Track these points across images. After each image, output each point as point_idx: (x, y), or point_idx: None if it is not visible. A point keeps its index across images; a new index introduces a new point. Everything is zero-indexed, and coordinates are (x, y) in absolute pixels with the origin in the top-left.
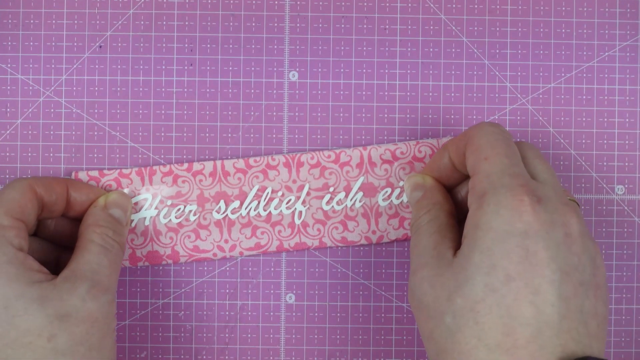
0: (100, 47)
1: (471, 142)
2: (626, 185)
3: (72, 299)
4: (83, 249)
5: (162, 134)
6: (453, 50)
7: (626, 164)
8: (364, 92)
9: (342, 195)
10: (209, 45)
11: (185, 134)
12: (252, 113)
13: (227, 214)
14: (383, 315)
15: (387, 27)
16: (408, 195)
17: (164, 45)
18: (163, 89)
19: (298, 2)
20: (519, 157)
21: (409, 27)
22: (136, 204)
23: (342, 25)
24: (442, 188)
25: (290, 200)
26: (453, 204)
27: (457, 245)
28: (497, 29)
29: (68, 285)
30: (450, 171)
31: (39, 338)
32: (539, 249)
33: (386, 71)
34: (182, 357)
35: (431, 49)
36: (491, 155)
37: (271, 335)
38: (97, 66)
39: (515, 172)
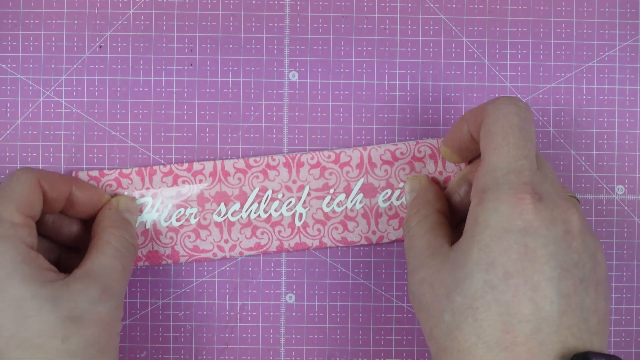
0: (100, 47)
1: (485, 122)
2: (626, 185)
3: (84, 301)
4: (98, 250)
5: (162, 134)
6: (453, 50)
7: (626, 164)
8: (364, 92)
9: (342, 196)
10: (209, 45)
11: (185, 134)
12: (252, 113)
13: (227, 217)
14: (383, 315)
15: (387, 27)
16: (406, 196)
17: (164, 45)
18: (163, 89)
19: (298, 2)
20: (532, 142)
21: (409, 27)
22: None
23: (342, 25)
24: (435, 188)
25: (290, 202)
26: (445, 203)
27: (450, 241)
28: (497, 29)
29: (81, 286)
30: (469, 142)
31: (52, 339)
32: (538, 246)
33: (386, 71)
34: (182, 357)
35: (431, 49)
36: (500, 145)
37: (271, 335)
38: (97, 66)
39: (522, 165)
